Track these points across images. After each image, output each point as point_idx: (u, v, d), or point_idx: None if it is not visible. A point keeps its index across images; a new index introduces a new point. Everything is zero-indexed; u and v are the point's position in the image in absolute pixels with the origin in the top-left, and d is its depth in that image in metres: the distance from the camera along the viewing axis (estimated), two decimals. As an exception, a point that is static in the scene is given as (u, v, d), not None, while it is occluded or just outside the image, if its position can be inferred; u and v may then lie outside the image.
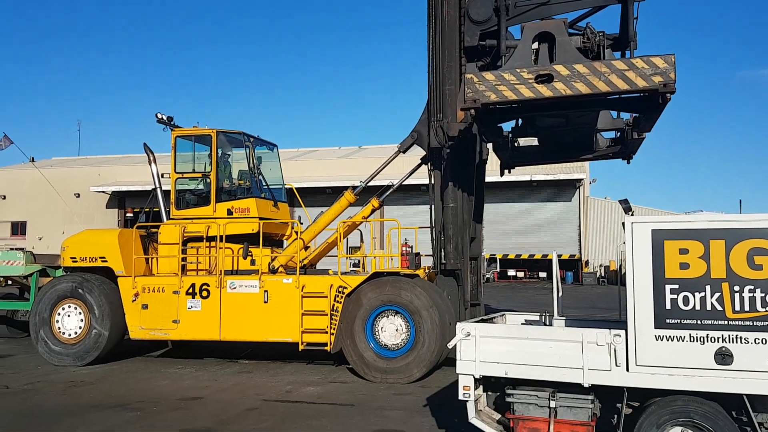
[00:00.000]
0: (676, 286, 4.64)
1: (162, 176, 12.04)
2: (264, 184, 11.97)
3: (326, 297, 9.94)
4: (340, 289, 9.92)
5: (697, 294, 4.60)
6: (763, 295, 4.45)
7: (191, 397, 8.38)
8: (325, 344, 9.92)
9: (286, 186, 12.79)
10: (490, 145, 11.41)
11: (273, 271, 10.87)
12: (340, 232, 10.66)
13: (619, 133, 10.87)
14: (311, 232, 11.29)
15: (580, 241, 45.46)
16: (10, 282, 14.60)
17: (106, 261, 10.95)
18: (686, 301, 4.61)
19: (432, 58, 10.46)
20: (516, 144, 11.14)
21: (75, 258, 11.10)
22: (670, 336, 4.62)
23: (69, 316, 10.81)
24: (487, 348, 4.97)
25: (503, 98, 7.98)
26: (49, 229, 47.01)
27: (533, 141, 11.80)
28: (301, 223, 11.78)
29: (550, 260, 47.01)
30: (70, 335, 10.76)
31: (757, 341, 4.44)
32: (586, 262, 45.99)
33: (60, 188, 46.10)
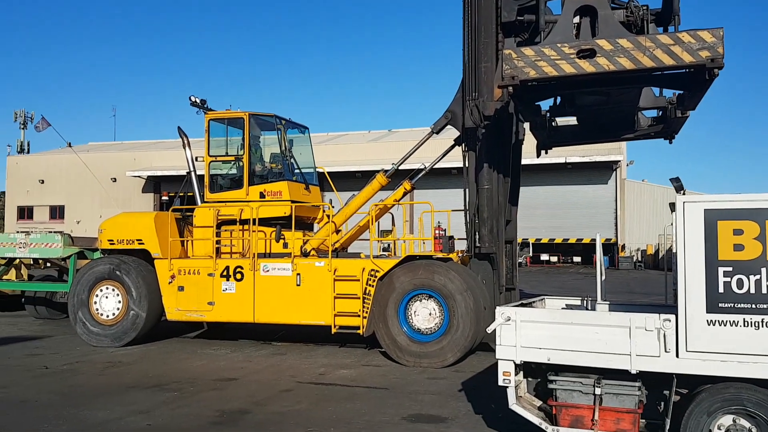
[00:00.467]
0: (730, 269, 4.41)
1: (196, 160, 12.06)
2: (296, 167, 11.90)
3: (358, 280, 9.86)
4: (373, 273, 9.83)
5: (752, 277, 4.36)
6: (824, 278, 4.19)
7: (227, 378, 8.41)
8: (358, 327, 9.86)
9: (317, 169, 12.70)
10: (526, 125, 11.15)
11: (305, 254, 10.83)
12: (372, 215, 10.54)
13: (661, 112, 10.48)
14: (343, 216, 11.20)
15: (616, 225, 44.61)
16: (48, 264, 14.92)
17: (142, 243, 11.05)
18: (740, 284, 4.37)
19: (467, 35, 10.20)
20: (554, 123, 10.84)
21: (112, 240, 11.22)
22: (722, 321, 4.40)
23: (107, 297, 10.95)
24: (528, 333, 4.81)
25: (543, 74, 7.72)
26: (86, 212, 48.03)
27: (571, 120, 11.49)
28: (332, 207, 11.69)
29: (585, 245, 46.36)
30: (108, 316, 10.91)
31: (816, 327, 4.19)
32: (623, 247, 45.16)
33: (97, 173, 46.91)
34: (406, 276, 9.40)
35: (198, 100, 11.85)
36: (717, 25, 7.37)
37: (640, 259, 45.66)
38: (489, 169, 9.92)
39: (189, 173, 12.47)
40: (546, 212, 42.81)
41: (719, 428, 4.48)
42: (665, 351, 4.44)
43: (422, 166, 11.87)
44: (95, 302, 10.98)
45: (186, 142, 12.52)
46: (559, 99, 9.90)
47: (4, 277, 13.91)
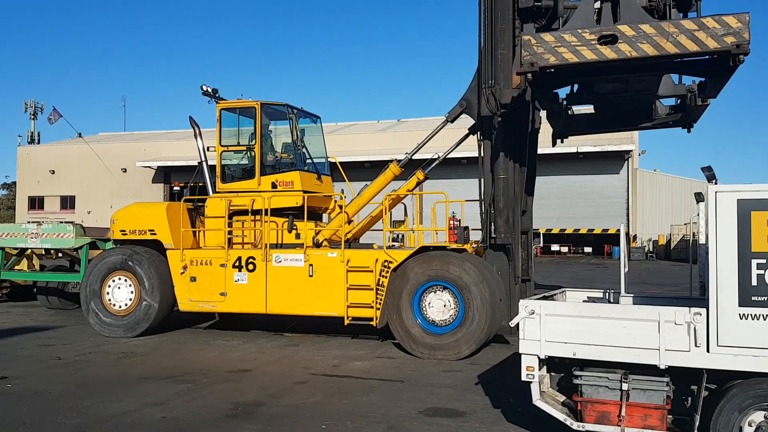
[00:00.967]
0: (764, 261, 4.24)
1: (208, 149, 11.96)
2: (307, 157, 11.77)
3: (372, 271, 9.74)
4: (386, 264, 9.70)
5: (787, 270, 4.19)
6: None
7: (240, 370, 8.34)
8: (371, 319, 9.75)
9: (329, 159, 12.57)
10: (543, 113, 10.95)
11: (317, 245, 10.73)
12: (386, 205, 10.40)
13: (679, 100, 10.26)
14: (355, 206, 11.07)
15: (628, 215, 44.24)
16: (60, 254, 14.91)
17: (155, 234, 10.98)
18: (775, 277, 4.20)
19: (483, 21, 10.01)
20: (570, 112, 10.65)
21: (124, 230, 11.16)
22: (755, 314, 4.24)
23: (119, 288, 10.90)
24: (553, 327, 4.67)
25: (563, 61, 7.53)
26: (97, 203, 48.18)
27: (586, 108, 11.28)
28: (344, 197, 11.57)
29: (596, 235, 46.05)
30: (120, 307, 10.87)
31: None
32: (634, 237, 44.84)
33: (107, 163, 46.99)
34: (420, 267, 9.27)
35: (209, 90, 11.74)
36: (740, 10, 7.18)
37: (651, 249, 45.34)
38: (505, 158, 9.75)
39: (200, 163, 12.38)
40: (557, 202, 42.47)
41: (750, 425, 4.34)
42: (695, 346, 4.30)
43: (432, 156, 11.70)
44: (108, 293, 10.93)
45: (198, 132, 12.42)
46: (576, 87, 9.71)
47: (16, 267, 13.92)
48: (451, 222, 9.88)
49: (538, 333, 4.71)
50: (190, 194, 12.37)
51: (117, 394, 7.07)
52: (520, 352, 4.83)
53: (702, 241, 5.48)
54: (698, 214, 5.66)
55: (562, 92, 9.91)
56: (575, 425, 4.68)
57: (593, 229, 45.34)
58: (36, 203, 50.81)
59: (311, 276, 10.08)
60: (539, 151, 12.66)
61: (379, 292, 9.64)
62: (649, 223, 46.26)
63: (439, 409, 6.46)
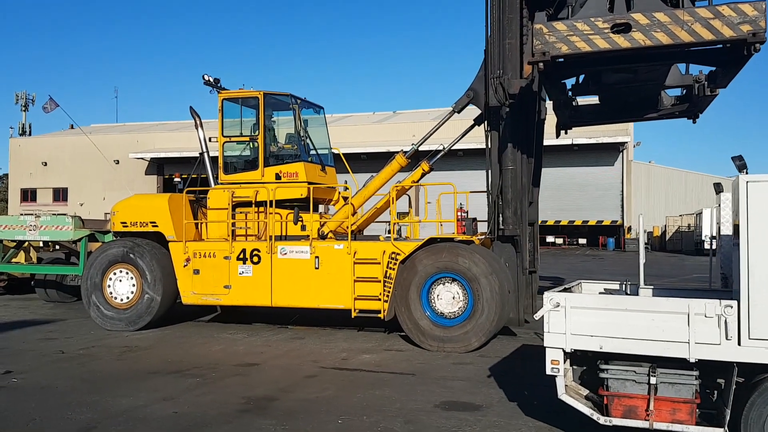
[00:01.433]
0: (797, 252, 4.16)
1: (210, 140, 11.79)
2: (311, 147, 11.63)
3: (379, 263, 9.64)
4: (393, 256, 9.60)
5: (821, 260, 4.11)
6: None
7: (248, 363, 8.23)
8: (378, 311, 9.66)
9: (332, 150, 12.43)
10: (549, 104, 10.86)
11: (322, 236, 10.61)
12: (393, 196, 10.29)
13: (685, 91, 10.18)
14: (361, 197, 10.95)
15: (622, 207, 44.33)
16: (57, 247, 14.73)
17: (156, 226, 10.82)
18: (808, 268, 4.13)
19: (491, 11, 9.87)
20: (574, 103, 10.56)
21: (125, 223, 10.99)
22: (788, 307, 4.16)
23: (121, 281, 10.75)
24: (578, 320, 4.58)
25: (575, 50, 7.42)
26: (90, 195, 47.79)
27: (589, 99, 11.18)
28: (350, 188, 11.45)
29: (590, 226, 46.13)
30: (122, 300, 10.73)
31: None
32: (629, 228, 44.95)
33: (100, 155, 46.57)
34: (429, 259, 9.18)
35: (211, 79, 11.56)
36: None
37: (646, 241, 45.48)
38: (513, 149, 9.66)
39: (202, 154, 12.20)
40: (552, 194, 42.41)
41: (781, 419, 4.27)
42: (726, 339, 4.23)
43: (437, 147, 11.58)
44: (109, 285, 10.79)
45: (198, 122, 12.25)
46: (582, 77, 9.62)
47: (14, 259, 13.74)
48: (459, 213, 9.78)
49: (564, 326, 4.62)
50: (191, 186, 12.17)
51: (125, 388, 6.95)
52: (545, 345, 4.75)
53: (725, 231, 5.42)
54: (719, 205, 5.59)
55: (568, 83, 9.82)
56: (601, 420, 4.61)
57: (588, 221, 45.42)
58: (28, 195, 50.37)
59: (317, 268, 9.97)
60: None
61: (386, 284, 9.54)
62: (644, 215, 46.33)
63: (454, 403, 6.38)
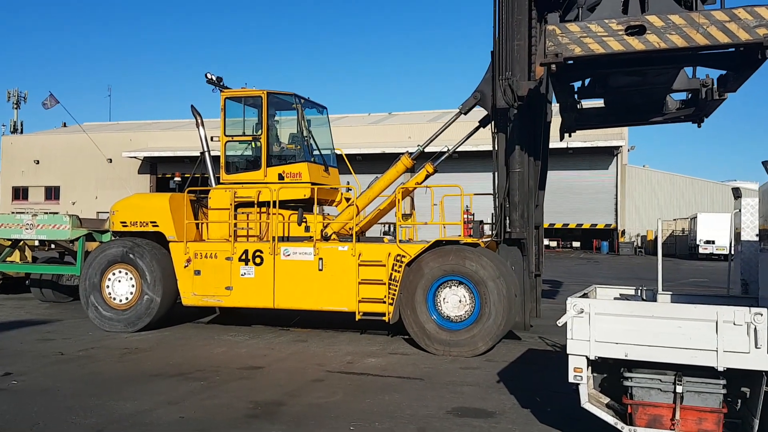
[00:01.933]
0: (828, 260, 4.07)
1: (212, 139, 11.63)
2: (315, 148, 11.49)
3: (384, 266, 9.52)
4: (399, 258, 9.49)
5: None
6: None
7: (252, 366, 8.09)
8: (383, 314, 9.54)
9: (335, 151, 12.31)
10: (555, 107, 10.79)
11: (326, 238, 10.49)
12: (399, 197, 10.17)
13: (690, 94, 10.13)
14: (366, 198, 10.82)
15: (616, 211, 44.44)
16: (53, 246, 14.51)
17: (157, 225, 10.65)
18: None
19: (499, 12, 9.78)
20: (579, 106, 10.49)
21: (125, 222, 10.82)
22: (820, 315, 4.07)
23: (120, 281, 10.58)
24: (603, 327, 4.48)
25: (589, 52, 7.32)
26: (82, 193, 47.43)
27: (593, 102, 11.11)
28: (354, 188, 11.33)
29: (584, 230, 46.21)
30: (121, 301, 10.55)
31: None
32: (623, 232, 45.06)
33: (93, 153, 46.29)
34: (435, 261, 9.06)
35: (214, 78, 11.41)
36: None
37: (640, 244, 45.61)
38: (520, 151, 9.58)
39: (203, 153, 12.04)
40: (546, 197, 42.12)
41: (810, 429, 4.19)
42: (756, 347, 4.13)
43: (444, 149, 11.47)
44: (108, 286, 10.61)
45: (200, 121, 12.09)
46: (587, 80, 9.55)
47: (8, 258, 13.51)
48: (466, 216, 9.68)
49: (588, 333, 4.51)
50: (190, 185, 12.01)
51: (128, 392, 6.79)
52: (568, 352, 4.64)
53: (746, 237, 5.34)
54: (739, 210, 5.53)
55: (574, 85, 9.75)
56: (625, 429, 4.51)
57: (582, 224, 45.50)
58: (20, 193, 49.92)
59: (321, 270, 9.84)
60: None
61: (391, 286, 9.42)
62: (638, 219, 46.53)
63: (467, 409, 6.27)
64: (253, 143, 11.10)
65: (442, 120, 47.30)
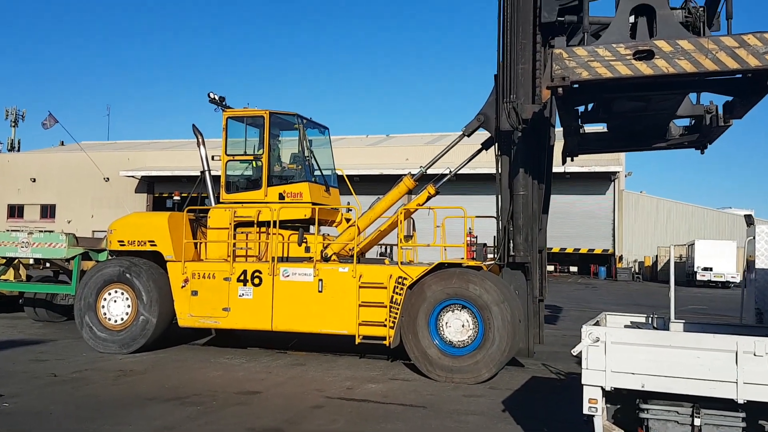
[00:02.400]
0: None
1: (212, 158, 11.53)
2: (316, 168, 11.40)
3: (385, 288, 9.36)
4: (400, 280, 9.34)
5: None
6: None
7: (249, 391, 7.88)
8: (383, 338, 9.35)
9: (336, 171, 12.22)
10: (558, 130, 10.75)
11: (326, 258, 10.34)
12: (401, 219, 10.05)
13: (693, 121, 10.10)
14: (367, 219, 10.70)
15: (614, 236, 44.40)
16: (47, 264, 14.31)
17: (155, 245, 10.49)
18: None
19: (503, 35, 9.77)
20: (581, 130, 10.45)
21: (122, 241, 10.65)
22: (842, 346, 3.94)
23: (115, 301, 10.38)
24: (619, 356, 4.33)
25: (596, 76, 7.27)
26: (78, 212, 47.23)
27: (596, 127, 11.06)
28: (355, 208, 11.22)
29: (582, 254, 46.12)
30: (116, 321, 10.34)
31: None
32: (620, 258, 44.98)
33: (90, 172, 46.20)
34: (438, 284, 8.91)
35: (217, 97, 11.36)
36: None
37: (637, 270, 45.52)
38: (525, 174, 9.49)
39: (203, 173, 11.93)
40: (546, 221, 42.12)
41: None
42: (777, 378, 3.99)
43: (446, 170, 11.40)
44: (103, 306, 10.40)
45: (201, 140, 12.01)
46: (591, 105, 9.51)
47: (2, 277, 13.30)
48: (469, 238, 9.55)
49: (603, 362, 4.37)
50: (188, 205, 11.87)
51: (123, 416, 6.58)
52: (583, 383, 4.48)
53: (760, 265, 5.23)
54: (753, 237, 5.42)
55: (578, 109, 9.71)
56: (641, 462, 4.34)
57: (579, 249, 45.43)
58: (16, 211, 49.65)
59: (321, 291, 9.68)
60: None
61: (392, 309, 9.26)
62: (635, 244, 46.52)
63: (472, 438, 6.08)
64: (254, 163, 11.00)
65: (440, 143, 47.47)
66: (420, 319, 8.92)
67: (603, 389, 4.41)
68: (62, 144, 55.80)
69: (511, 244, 9.44)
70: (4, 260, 12.87)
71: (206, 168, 11.80)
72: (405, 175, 10.80)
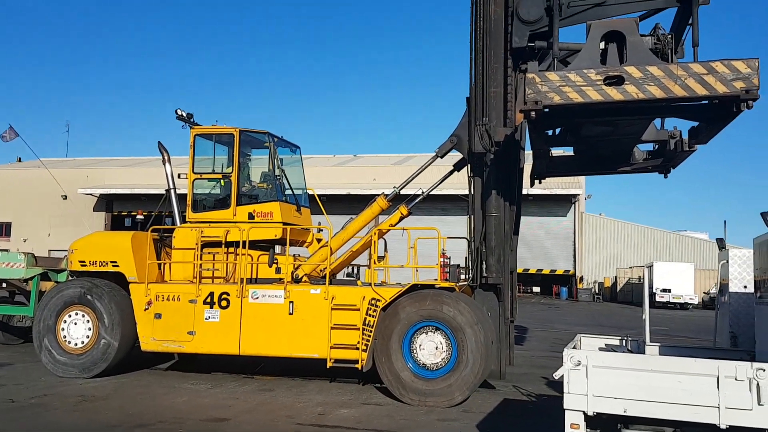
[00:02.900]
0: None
1: (179, 176, 11.29)
2: (287, 187, 11.25)
3: (358, 310, 9.23)
4: (374, 302, 9.22)
5: None
6: None
7: (216, 418, 7.62)
8: (356, 361, 9.19)
9: (307, 191, 12.10)
10: (528, 153, 10.89)
11: (296, 280, 10.17)
12: (375, 239, 9.96)
13: (657, 146, 10.34)
14: (339, 240, 10.58)
15: (574, 257, 45.09)
16: (3, 285, 13.73)
17: (117, 266, 10.15)
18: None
19: (475, 59, 9.88)
20: (550, 154, 10.60)
21: (84, 262, 10.28)
22: (822, 370, 4.00)
23: (76, 324, 9.99)
24: (600, 380, 4.31)
25: (567, 101, 7.39)
26: (34, 230, 45.81)
27: (563, 150, 11.25)
28: (328, 228, 11.10)
29: (544, 275, 46.69)
30: (76, 345, 9.94)
31: None
32: (581, 278, 45.65)
33: (47, 189, 45.06)
34: (412, 306, 8.82)
35: (184, 114, 11.15)
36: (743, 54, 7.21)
37: (598, 291, 46.27)
38: (497, 195, 9.55)
39: (168, 191, 11.67)
40: (508, 242, 42.48)
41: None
42: (759, 404, 4.02)
43: (419, 191, 11.38)
44: (63, 329, 9.99)
45: (167, 158, 11.74)
46: (558, 129, 9.66)
47: (-46, 298, 12.71)
48: (442, 259, 9.52)
49: (585, 387, 4.34)
50: (153, 224, 11.57)
51: (85, 446, 6.28)
52: (565, 407, 4.44)
53: (734, 288, 5.30)
54: (727, 261, 5.50)
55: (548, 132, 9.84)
56: (625, 488, 4.31)
57: (542, 270, 45.97)
58: (-33, 229, 47.87)
59: (291, 314, 9.48)
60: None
61: (365, 332, 9.12)
62: (595, 266, 47.35)
63: (450, 464, 5.98)
64: (222, 181, 10.80)
65: (407, 163, 47.69)
66: (394, 341, 8.81)
67: (585, 414, 4.38)
68: (19, 160, 54.26)
69: (484, 266, 9.45)
70: (-43, 281, 12.31)
71: (171, 186, 11.54)
72: (378, 195, 10.74)
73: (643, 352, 5.54)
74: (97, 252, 10.35)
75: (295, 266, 10.30)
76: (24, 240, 44.59)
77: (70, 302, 10.03)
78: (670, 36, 7.91)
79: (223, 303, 9.79)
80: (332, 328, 9.25)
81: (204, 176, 10.92)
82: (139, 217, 12.34)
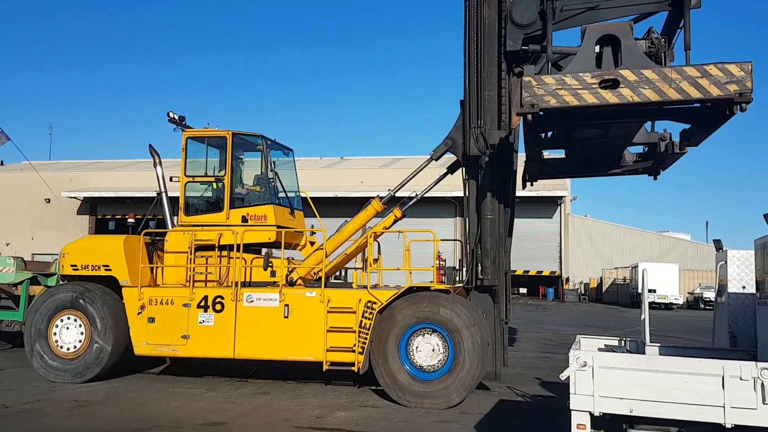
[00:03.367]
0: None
1: (170, 179, 11.21)
2: (280, 190, 11.22)
3: (354, 312, 9.22)
4: (370, 305, 9.21)
5: None
6: None
7: (213, 422, 7.58)
8: (352, 364, 9.18)
9: (300, 194, 12.08)
10: (520, 156, 10.96)
11: (291, 283, 10.14)
12: (370, 242, 9.96)
13: (647, 148, 10.45)
14: (334, 242, 10.57)
15: (560, 258, 45.41)
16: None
17: (109, 269, 10.06)
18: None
19: (469, 63, 9.92)
20: (542, 156, 10.68)
21: (75, 266, 10.17)
22: (826, 369, 4.06)
23: (68, 328, 9.88)
24: (607, 381, 4.35)
25: (564, 104, 7.45)
26: (17, 234, 45.23)
27: (554, 153, 11.30)
28: (322, 231, 11.08)
29: (531, 276, 46.97)
30: (68, 349, 9.83)
31: None
32: (567, 279, 45.98)
33: (30, 193, 44.61)
34: (409, 308, 8.84)
35: (176, 117, 11.07)
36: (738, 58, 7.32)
37: (583, 292, 46.62)
38: (492, 198, 9.59)
39: (159, 194, 11.59)
40: (493, 244, 42.70)
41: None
42: (763, 403, 4.08)
43: (412, 194, 11.41)
44: (55, 333, 9.88)
45: (158, 160, 11.66)
46: (551, 132, 9.73)
47: (-59, 303, 12.50)
48: (438, 261, 9.55)
49: (591, 387, 4.37)
50: (143, 227, 11.47)
51: (83, 452, 6.22)
52: (571, 408, 4.48)
53: (733, 289, 5.37)
54: (725, 262, 5.58)
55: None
56: (630, 488, 4.35)
57: (529, 271, 46.23)
58: (-51, 233, 47.12)
59: (287, 317, 9.45)
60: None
61: (361, 334, 9.11)
62: (581, 267, 47.72)
63: (452, 466, 5.99)
64: (215, 184, 10.75)
65: (394, 166, 47.70)
66: (390, 343, 8.82)
67: (591, 414, 4.42)
68: (1, 164, 53.60)
69: (479, 268, 9.48)
70: (-56, 285, 12.11)
71: (163, 189, 11.47)
72: (373, 198, 10.75)
73: (643, 353, 5.60)
74: (89, 256, 10.25)
75: (290, 269, 10.27)
76: (7, 244, 43.97)
77: (62, 306, 9.92)
78: (663, 39, 8.01)
79: (218, 306, 9.73)
80: (328, 331, 9.24)
81: (196, 179, 10.86)
82: (131, 220, 12.24)
